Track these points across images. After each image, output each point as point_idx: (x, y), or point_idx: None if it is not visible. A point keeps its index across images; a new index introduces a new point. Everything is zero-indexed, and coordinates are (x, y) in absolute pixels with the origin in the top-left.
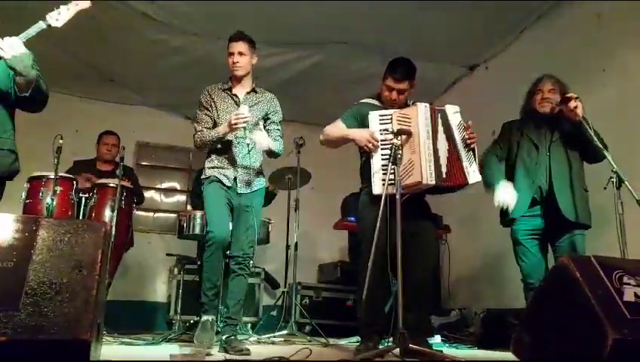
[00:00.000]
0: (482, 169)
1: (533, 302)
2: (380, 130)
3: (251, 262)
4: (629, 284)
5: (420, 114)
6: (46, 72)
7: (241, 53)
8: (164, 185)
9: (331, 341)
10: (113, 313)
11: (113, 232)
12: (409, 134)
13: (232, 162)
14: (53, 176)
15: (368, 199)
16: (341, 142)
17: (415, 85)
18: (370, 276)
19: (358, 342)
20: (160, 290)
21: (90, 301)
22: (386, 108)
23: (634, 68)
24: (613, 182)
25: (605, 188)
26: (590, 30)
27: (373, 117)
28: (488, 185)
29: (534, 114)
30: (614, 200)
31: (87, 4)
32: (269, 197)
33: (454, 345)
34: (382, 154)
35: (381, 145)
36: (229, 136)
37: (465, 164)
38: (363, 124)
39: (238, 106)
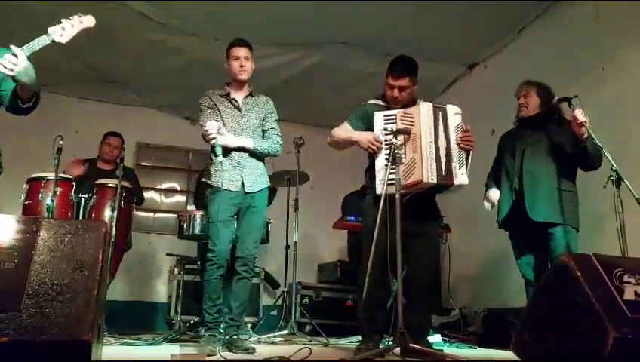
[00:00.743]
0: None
1: (534, 301)
2: (385, 130)
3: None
4: (629, 283)
5: (423, 112)
6: (46, 73)
7: (247, 58)
8: (164, 186)
9: (331, 340)
10: (114, 313)
11: (113, 232)
12: (408, 133)
13: (236, 164)
14: (52, 177)
15: (372, 199)
16: (346, 144)
17: (417, 82)
18: (371, 275)
19: (358, 341)
20: (160, 290)
21: (91, 301)
22: (391, 108)
23: (633, 66)
24: (612, 180)
25: (605, 187)
26: (589, 29)
27: (378, 117)
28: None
29: (519, 120)
30: (614, 198)
31: (91, 23)
32: (270, 194)
33: (455, 344)
34: (385, 155)
35: (385, 145)
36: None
37: (454, 164)
38: (369, 124)
39: (239, 110)
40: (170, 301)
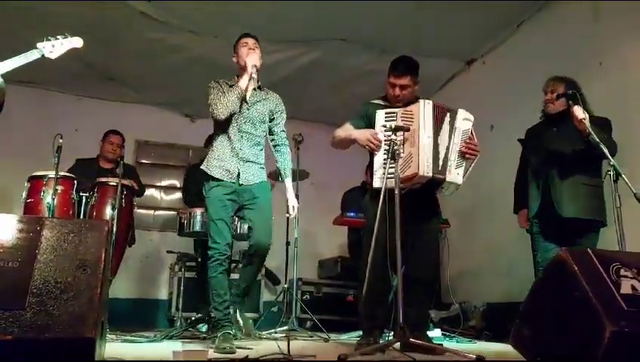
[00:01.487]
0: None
1: (532, 295)
2: (385, 128)
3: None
4: (626, 277)
5: (422, 109)
6: (45, 72)
7: (255, 46)
8: (164, 183)
9: (332, 336)
10: (115, 310)
11: (114, 230)
12: (407, 130)
13: (235, 155)
14: (53, 176)
15: (371, 195)
16: (347, 143)
17: (419, 82)
18: (371, 271)
19: (359, 337)
20: (161, 288)
21: (95, 299)
22: (392, 107)
23: (631, 61)
24: (610, 175)
25: (602, 182)
26: (587, 24)
27: (379, 115)
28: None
29: (544, 115)
30: (612, 193)
31: (79, 44)
32: None
33: (454, 338)
34: (384, 151)
35: (385, 143)
36: (233, 131)
37: (450, 163)
38: (370, 123)
39: (246, 102)
40: (170, 298)
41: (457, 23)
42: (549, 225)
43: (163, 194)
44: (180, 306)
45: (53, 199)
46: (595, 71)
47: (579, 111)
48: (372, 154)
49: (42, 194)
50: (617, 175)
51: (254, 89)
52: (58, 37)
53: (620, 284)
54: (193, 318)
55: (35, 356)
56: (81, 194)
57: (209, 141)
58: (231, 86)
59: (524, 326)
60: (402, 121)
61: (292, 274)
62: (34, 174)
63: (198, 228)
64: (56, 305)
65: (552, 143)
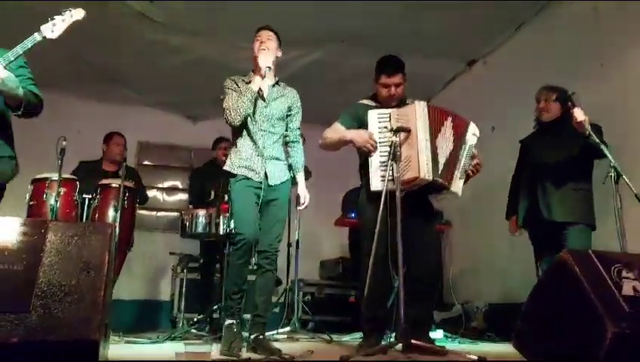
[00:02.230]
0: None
1: (534, 297)
2: (379, 128)
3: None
4: (627, 278)
5: (418, 112)
6: (47, 73)
7: (269, 39)
8: (167, 184)
9: (334, 337)
10: (117, 312)
11: (117, 232)
12: (408, 131)
13: (260, 154)
14: (56, 178)
15: (366, 197)
16: (340, 144)
17: (407, 79)
18: (372, 272)
19: (361, 338)
20: (163, 289)
21: (99, 301)
22: (383, 108)
23: (632, 62)
24: (611, 176)
25: (604, 183)
26: (588, 25)
27: (372, 115)
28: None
29: (538, 123)
30: (613, 194)
31: (81, 15)
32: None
33: (457, 339)
34: (380, 152)
35: (380, 143)
36: (254, 130)
37: (456, 173)
38: (361, 124)
39: (264, 100)
40: (173, 299)
41: (458, 23)
42: (537, 232)
43: (165, 195)
44: (183, 307)
45: (57, 201)
46: (596, 72)
47: (579, 113)
48: (365, 155)
49: (45, 196)
50: (618, 176)
51: (272, 85)
52: (63, 12)
53: (622, 286)
54: (196, 319)
55: (39, 358)
56: (84, 196)
57: (217, 143)
58: (247, 83)
59: (525, 327)
60: (397, 122)
61: (293, 275)
62: (37, 177)
63: (200, 229)
64: (60, 307)
65: (544, 155)
